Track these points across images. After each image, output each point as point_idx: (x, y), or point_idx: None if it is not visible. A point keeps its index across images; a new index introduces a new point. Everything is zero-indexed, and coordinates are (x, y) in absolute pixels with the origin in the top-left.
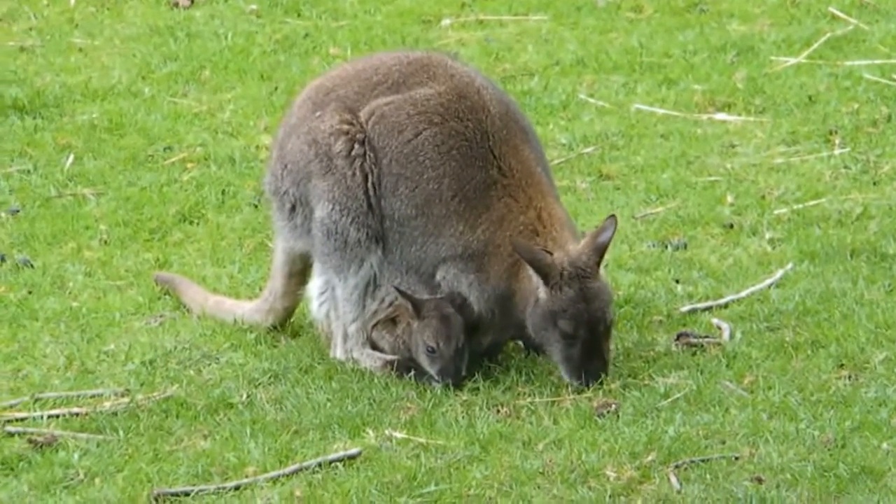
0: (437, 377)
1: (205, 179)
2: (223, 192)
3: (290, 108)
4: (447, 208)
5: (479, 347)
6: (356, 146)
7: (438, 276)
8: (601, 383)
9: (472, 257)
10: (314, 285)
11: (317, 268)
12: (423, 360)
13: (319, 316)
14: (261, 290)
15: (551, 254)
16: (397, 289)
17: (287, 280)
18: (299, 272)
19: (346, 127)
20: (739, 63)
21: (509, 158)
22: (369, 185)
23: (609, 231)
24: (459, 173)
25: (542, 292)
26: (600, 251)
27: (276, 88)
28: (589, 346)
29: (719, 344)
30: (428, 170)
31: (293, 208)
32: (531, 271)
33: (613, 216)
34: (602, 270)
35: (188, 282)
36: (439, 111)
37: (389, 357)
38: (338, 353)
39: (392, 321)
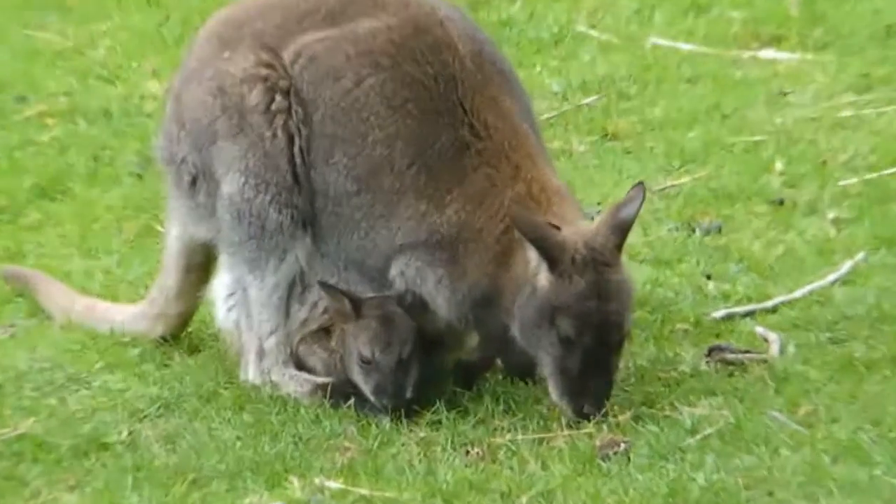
0: (371, 397)
1: (71, 140)
2: (95, 158)
3: (189, 47)
4: (401, 181)
5: (440, 367)
6: (278, 97)
7: (394, 272)
8: (604, 413)
9: (442, 245)
10: (220, 284)
11: (223, 261)
12: (356, 375)
13: (227, 325)
14: (147, 289)
15: (559, 229)
16: (323, 285)
17: (183, 276)
18: (199, 266)
19: (264, 72)
20: None
21: (485, 113)
22: (295, 150)
23: (635, 204)
24: (417, 134)
25: (544, 279)
26: (622, 231)
27: (167, 18)
28: (593, 358)
29: (765, 361)
30: (374, 129)
31: (193, 182)
32: (531, 253)
33: (641, 184)
34: (623, 259)
35: (47, 279)
36: (389, 51)
37: (321, 380)
38: (250, 374)
39: (325, 331)
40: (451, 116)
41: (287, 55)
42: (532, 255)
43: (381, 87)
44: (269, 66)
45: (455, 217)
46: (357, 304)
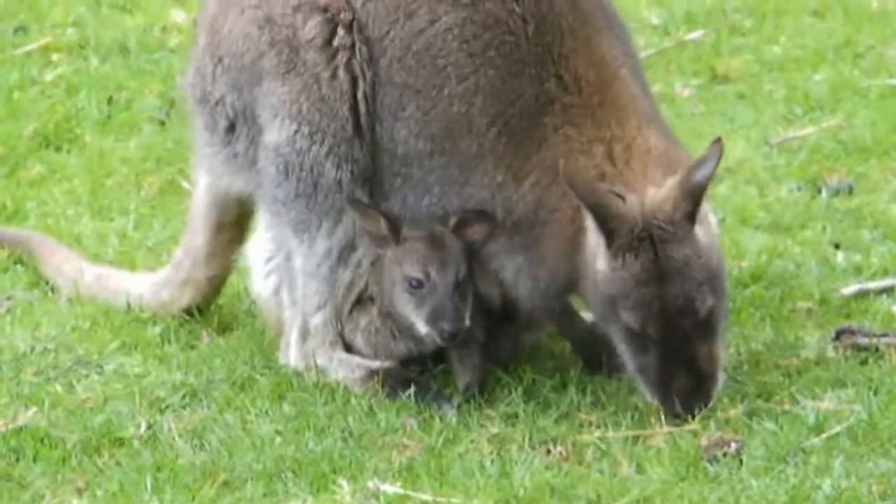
0: (426, 326)
1: (80, 80)
2: (109, 101)
3: None
4: (479, 144)
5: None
6: (340, 32)
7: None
8: (705, 410)
9: (519, 227)
10: (258, 247)
11: (263, 220)
12: (405, 305)
13: (264, 295)
14: (169, 256)
15: (623, 199)
16: (354, 202)
17: (214, 235)
18: (233, 223)
19: (322, 1)
20: None
21: (576, 62)
22: (359, 95)
23: (710, 164)
24: (499, 88)
25: (602, 262)
26: (694, 195)
27: None
28: (670, 352)
29: None
30: (451, 81)
31: (231, 127)
32: (590, 224)
33: (719, 140)
34: (700, 229)
35: (52, 243)
36: None
37: (375, 364)
38: (292, 357)
39: (370, 299)
40: (539, 66)
41: None
42: (590, 226)
43: (461, 28)
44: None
45: (530, 194)
46: (396, 225)
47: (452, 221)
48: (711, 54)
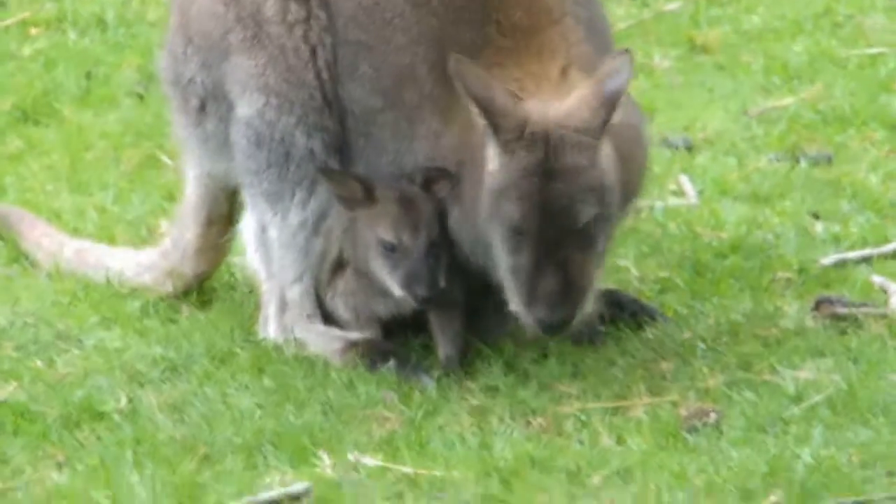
0: (400, 289)
1: (59, 54)
2: (88, 76)
3: None
4: (420, 92)
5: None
6: (293, 7)
7: None
8: (567, 325)
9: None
10: (245, 225)
11: (246, 198)
12: (379, 268)
13: (254, 266)
14: (150, 231)
15: (518, 98)
16: (325, 171)
17: (204, 230)
18: (223, 217)
19: None
20: None
21: (517, 7)
22: (321, 64)
23: (623, 75)
24: (439, 35)
25: (493, 160)
26: (612, 106)
27: None
28: (545, 250)
29: (884, 316)
30: (397, 33)
31: (202, 106)
32: (478, 120)
33: (627, 51)
34: (605, 145)
35: (32, 218)
36: None
37: (353, 335)
38: (271, 330)
39: (338, 263)
40: (479, 12)
41: None
42: (478, 122)
43: None
44: None
45: (453, 138)
46: (369, 187)
47: (419, 180)
48: (690, 25)
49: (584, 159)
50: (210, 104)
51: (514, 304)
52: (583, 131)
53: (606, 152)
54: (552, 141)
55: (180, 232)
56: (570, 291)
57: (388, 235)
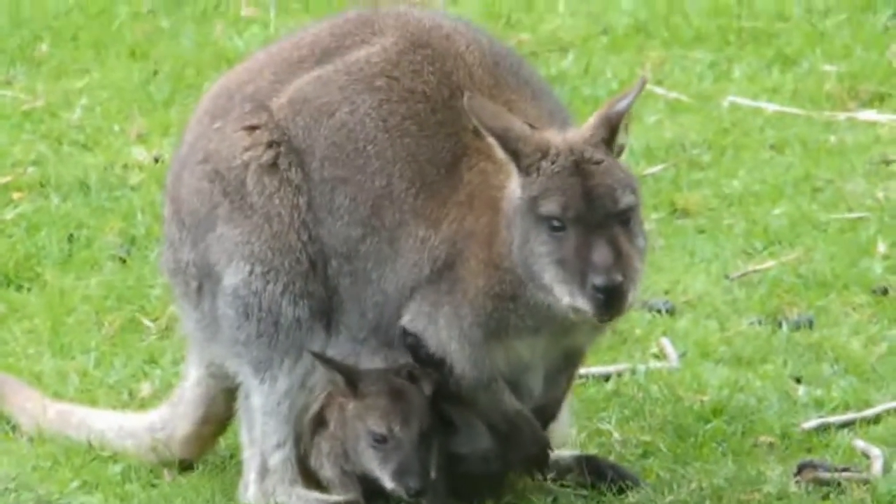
0: (391, 482)
1: (41, 218)
2: (70, 239)
3: (183, 132)
4: (401, 210)
5: (463, 465)
6: (268, 176)
7: (405, 321)
8: (623, 298)
9: (442, 273)
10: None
11: (227, 362)
12: (369, 461)
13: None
14: (131, 395)
15: (534, 128)
16: (315, 354)
17: (198, 427)
18: (218, 418)
19: (253, 138)
20: None
21: None
22: (300, 219)
23: (630, 96)
24: (415, 152)
25: (516, 184)
26: (611, 123)
27: (154, 73)
28: (589, 231)
29: (867, 482)
30: (371, 159)
31: (200, 287)
32: (500, 154)
33: (643, 80)
34: (622, 161)
35: (14, 381)
36: (385, 70)
37: (334, 499)
38: (251, 494)
39: (320, 420)
40: (455, 125)
41: (277, 106)
42: (498, 155)
43: (378, 109)
44: (257, 126)
45: (448, 230)
46: (353, 378)
47: (403, 374)
48: (671, 188)
49: (608, 160)
50: (205, 283)
51: (563, 294)
52: (594, 146)
53: (623, 161)
54: (577, 152)
55: (172, 418)
56: (622, 259)
57: (379, 427)
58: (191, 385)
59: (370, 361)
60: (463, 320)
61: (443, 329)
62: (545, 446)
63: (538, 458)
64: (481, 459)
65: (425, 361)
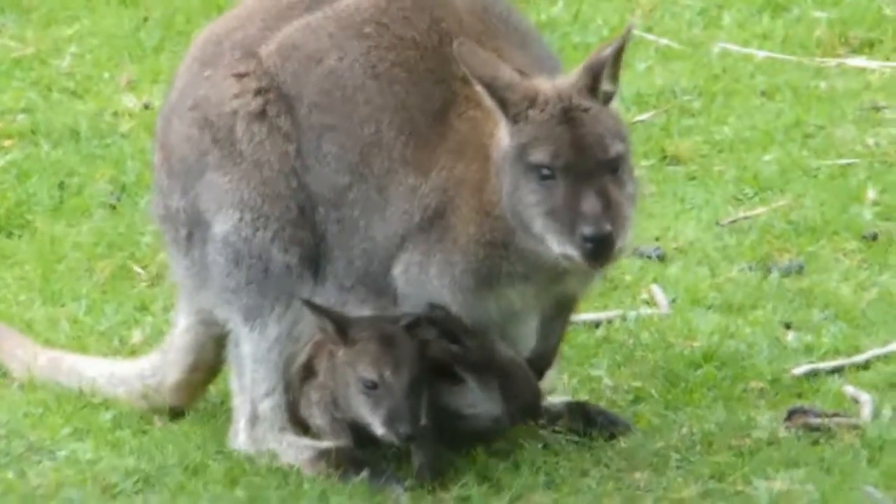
0: (382, 428)
1: (32, 165)
2: (61, 186)
3: (173, 79)
4: (390, 158)
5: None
6: (258, 123)
7: (396, 272)
8: (613, 246)
9: (433, 221)
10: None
11: (217, 310)
12: (360, 406)
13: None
14: (122, 342)
15: (526, 75)
16: (306, 302)
17: (187, 374)
18: (207, 365)
19: (242, 85)
20: None
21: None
22: (291, 172)
23: (614, 44)
24: (404, 99)
25: (505, 132)
26: (593, 70)
27: (145, 20)
28: (580, 180)
29: (856, 427)
30: (359, 106)
31: (189, 235)
32: (487, 102)
33: (630, 27)
34: (614, 106)
35: (5, 329)
36: (374, 17)
37: (324, 444)
38: (241, 441)
39: (309, 368)
40: (444, 71)
41: (266, 53)
42: (486, 102)
43: (366, 56)
44: (246, 73)
45: (438, 178)
46: (343, 326)
47: (403, 322)
48: (661, 135)
49: (596, 108)
50: (195, 230)
51: (555, 243)
52: (578, 92)
53: (614, 106)
54: (565, 99)
55: (162, 365)
56: (611, 208)
57: (370, 373)
58: (180, 332)
59: (358, 310)
60: (454, 268)
61: (434, 278)
62: (538, 394)
63: (532, 407)
64: (487, 422)
65: (450, 335)
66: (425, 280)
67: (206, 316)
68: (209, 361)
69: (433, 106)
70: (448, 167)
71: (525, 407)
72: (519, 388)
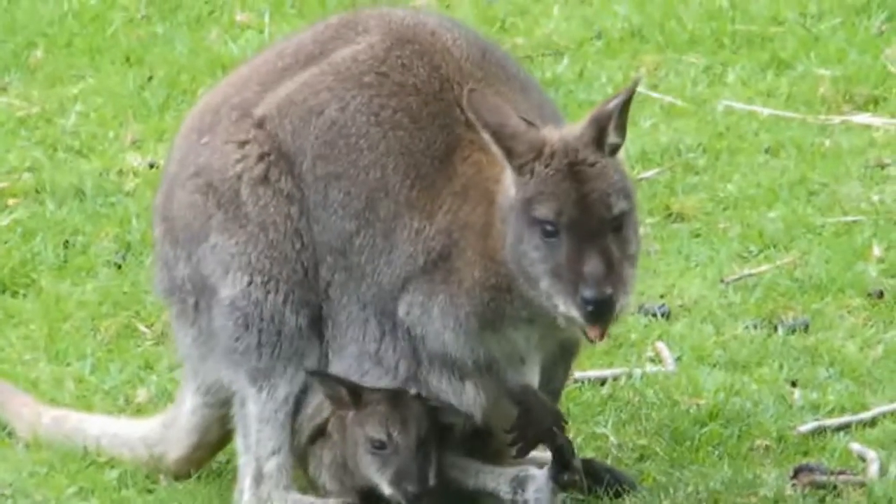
0: (390, 488)
1: (36, 224)
2: (66, 245)
3: (170, 152)
4: (396, 202)
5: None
6: (262, 187)
7: (401, 313)
8: (615, 306)
9: (437, 263)
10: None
11: (223, 374)
12: (368, 467)
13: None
14: (127, 401)
15: (534, 126)
16: (315, 373)
17: (190, 452)
18: (211, 445)
19: (244, 151)
20: (893, 32)
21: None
22: (293, 228)
23: (621, 95)
24: (409, 144)
25: (510, 181)
26: (598, 122)
27: (149, 79)
28: (583, 239)
29: (863, 484)
30: (364, 152)
31: (196, 304)
32: (494, 148)
33: (636, 80)
34: (620, 158)
35: (10, 388)
36: (373, 67)
37: (331, 502)
38: (246, 500)
39: (321, 432)
40: (447, 116)
41: (263, 113)
42: (494, 150)
43: (368, 104)
44: (245, 139)
45: (443, 221)
46: (356, 391)
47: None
48: (666, 192)
49: (601, 161)
50: (201, 298)
51: (558, 302)
52: (584, 145)
53: (620, 158)
54: (571, 153)
55: (165, 440)
56: (613, 271)
57: (378, 433)
58: (186, 413)
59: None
60: (459, 309)
61: (437, 318)
62: (559, 416)
63: (554, 431)
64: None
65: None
66: (427, 321)
67: (212, 397)
68: (213, 441)
69: (437, 150)
70: (453, 210)
71: (548, 432)
72: (537, 412)
